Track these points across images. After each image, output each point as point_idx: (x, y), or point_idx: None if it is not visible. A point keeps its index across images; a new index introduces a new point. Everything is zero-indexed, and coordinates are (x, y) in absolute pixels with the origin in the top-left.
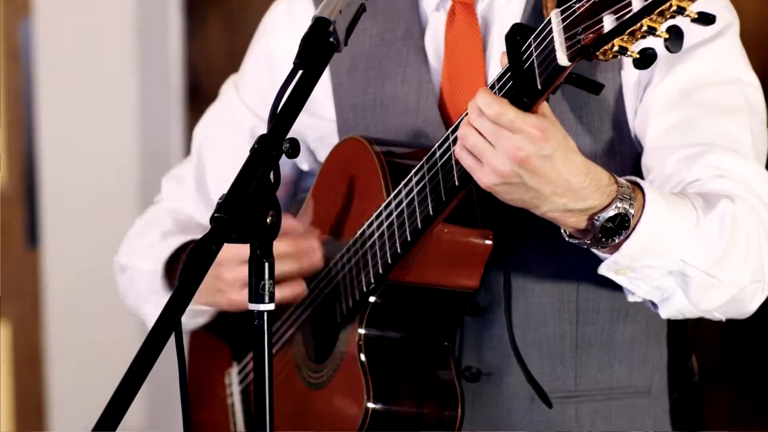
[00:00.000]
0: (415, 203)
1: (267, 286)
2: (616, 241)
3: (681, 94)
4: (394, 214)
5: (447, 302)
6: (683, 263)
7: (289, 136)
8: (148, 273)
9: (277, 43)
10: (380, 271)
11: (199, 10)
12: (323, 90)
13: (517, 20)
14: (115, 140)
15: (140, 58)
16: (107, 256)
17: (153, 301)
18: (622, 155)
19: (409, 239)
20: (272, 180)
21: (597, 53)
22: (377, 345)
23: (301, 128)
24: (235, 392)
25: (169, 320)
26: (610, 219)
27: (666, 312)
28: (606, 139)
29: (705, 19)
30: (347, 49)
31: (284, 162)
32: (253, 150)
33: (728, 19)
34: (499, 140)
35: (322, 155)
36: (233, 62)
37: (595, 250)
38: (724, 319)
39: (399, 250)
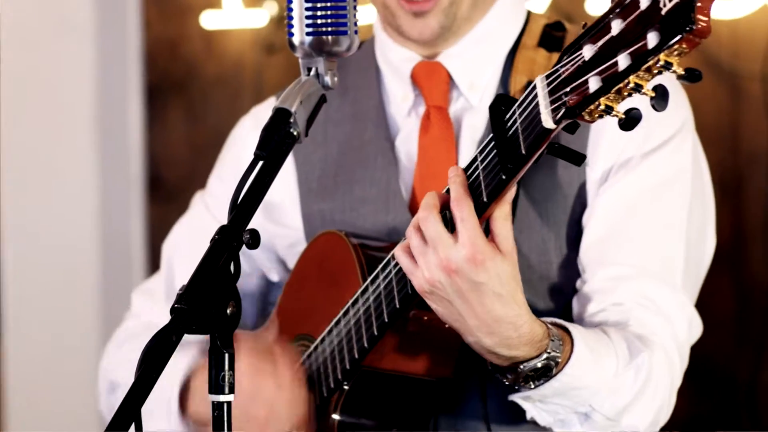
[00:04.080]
0: (393, 283)
1: (227, 377)
2: (538, 384)
3: (628, 203)
4: (371, 297)
5: (421, 390)
6: (591, 408)
7: (260, 239)
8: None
9: (246, 156)
10: (356, 356)
11: (159, 100)
12: (291, 198)
13: (486, 124)
14: (76, 230)
15: (100, 148)
16: (67, 346)
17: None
18: (581, 233)
19: (386, 320)
20: (232, 271)
21: (583, 113)
22: None
23: (271, 238)
24: None
25: (128, 413)
26: (536, 369)
27: None
28: (567, 233)
29: (692, 76)
30: (316, 156)
31: (254, 274)
32: (213, 241)
33: (682, 117)
34: (437, 246)
35: (293, 263)
36: (193, 153)
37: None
38: None
39: (376, 333)
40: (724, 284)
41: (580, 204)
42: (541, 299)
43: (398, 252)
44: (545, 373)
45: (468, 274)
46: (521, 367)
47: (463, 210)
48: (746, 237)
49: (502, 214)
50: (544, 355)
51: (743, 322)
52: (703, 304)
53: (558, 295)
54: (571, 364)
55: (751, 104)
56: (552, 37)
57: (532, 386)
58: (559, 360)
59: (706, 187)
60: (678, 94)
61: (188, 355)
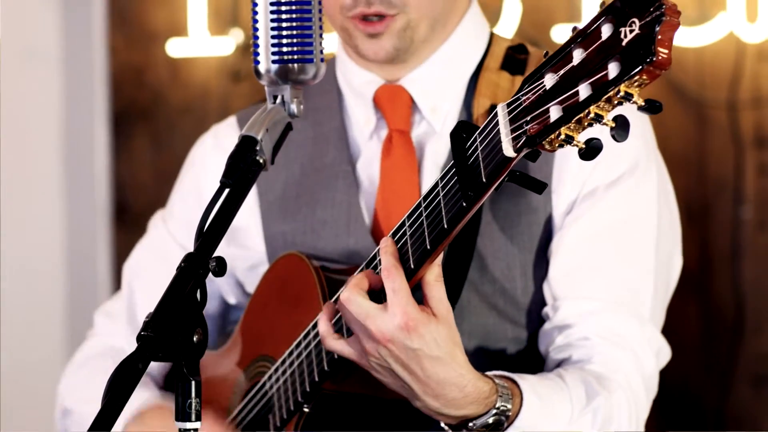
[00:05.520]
0: None
1: (194, 405)
2: None
3: (595, 235)
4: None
5: (382, 411)
6: None
7: (226, 266)
8: None
9: (206, 176)
10: (316, 379)
11: (125, 128)
12: (253, 220)
13: (449, 149)
14: (42, 256)
15: (66, 175)
16: (31, 372)
17: None
18: (547, 264)
19: None
20: (199, 298)
21: (543, 143)
22: None
23: (230, 261)
24: None
25: None
26: (487, 424)
27: None
28: (534, 260)
29: (652, 107)
30: (277, 178)
31: (213, 296)
32: (179, 268)
33: (645, 143)
34: (367, 321)
35: (251, 286)
36: (159, 180)
37: None
38: None
39: (336, 356)
40: (691, 310)
41: (547, 232)
42: (509, 324)
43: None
44: (497, 427)
45: (403, 342)
46: (471, 424)
47: (395, 281)
48: (713, 263)
49: (433, 276)
50: (494, 411)
51: (710, 348)
52: (670, 330)
53: (526, 320)
54: (521, 417)
55: (717, 132)
56: (515, 59)
57: None
58: (510, 414)
59: (673, 209)
60: (639, 119)
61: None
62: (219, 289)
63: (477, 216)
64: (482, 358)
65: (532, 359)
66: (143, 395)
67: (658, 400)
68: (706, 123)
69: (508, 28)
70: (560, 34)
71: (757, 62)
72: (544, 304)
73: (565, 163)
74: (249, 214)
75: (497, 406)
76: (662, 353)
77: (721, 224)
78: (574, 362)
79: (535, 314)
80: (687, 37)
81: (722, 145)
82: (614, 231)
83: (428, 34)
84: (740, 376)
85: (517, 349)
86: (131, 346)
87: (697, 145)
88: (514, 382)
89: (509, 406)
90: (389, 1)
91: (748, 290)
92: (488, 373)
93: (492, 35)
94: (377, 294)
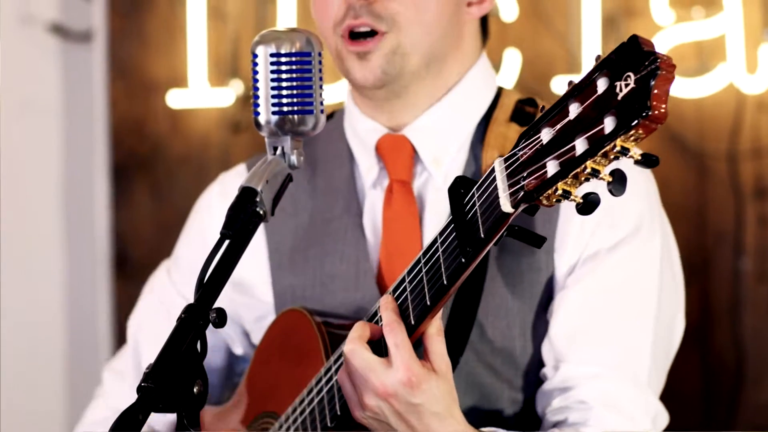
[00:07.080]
0: None
1: None
2: None
3: (595, 300)
4: (334, 377)
5: None
6: None
7: (227, 317)
8: None
9: (211, 223)
10: None
11: (125, 179)
12: (261, 271)
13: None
14: (42, 308)
15: (67, 227)
16: (32, 425)
17: None
18: (547, 325)
19: None
20: (199, 350)
21: (540, 198)
22: None
23: (238, 309)
24: None
25: None
26: None
27: None
28: (533, 320)
29: (648, 161)
30: (286, 229)
31: (218, 348)
32: (180, 320)
33: (648, 203)
34: (369, 375)
35: (257, 338)
36: (159, 232)
37: None
38: None
39: (339, 412)
40: (692, 361)
41: (548, 291)
42: (505, 386)
43: (342, 378)
44: None
45: (405, 397)
46: None
47: (397, 336)
48: (713, 315)
49: (434, 330)
50: None
51: (711, 399)
52: (670, 383)
53: (523, 383)
54: None
55: (717, 183)
56: (524, 112)
57: None
58: None
59: (677, 272)
60: (642, 175)
61: None
62: (225, 339)
63: (481, 274)
64: (477, 418)
65: (529, 421)
66: None
67: None
68: (706, 174)
69: (508, 79)
70: (560, 85)
71: (757, 113)
72: (541, 365)
73: (567, 224)
74: (258, 266)
75: None
76: (659, 419)
77: (721, 276)
78: (570, 424)
79: (533, 376)
80: (687, 88)
81: (722, 197)
82: (615, 295)
83: (421, 68)
84: (741, 427)
85: (514, 411)
86: None
87: (697, 196)
88: None
89: None
90: (377, 14)
91: (749, 342)
92: (484, 429)
93: (500, 89)
94: (378, 347)
